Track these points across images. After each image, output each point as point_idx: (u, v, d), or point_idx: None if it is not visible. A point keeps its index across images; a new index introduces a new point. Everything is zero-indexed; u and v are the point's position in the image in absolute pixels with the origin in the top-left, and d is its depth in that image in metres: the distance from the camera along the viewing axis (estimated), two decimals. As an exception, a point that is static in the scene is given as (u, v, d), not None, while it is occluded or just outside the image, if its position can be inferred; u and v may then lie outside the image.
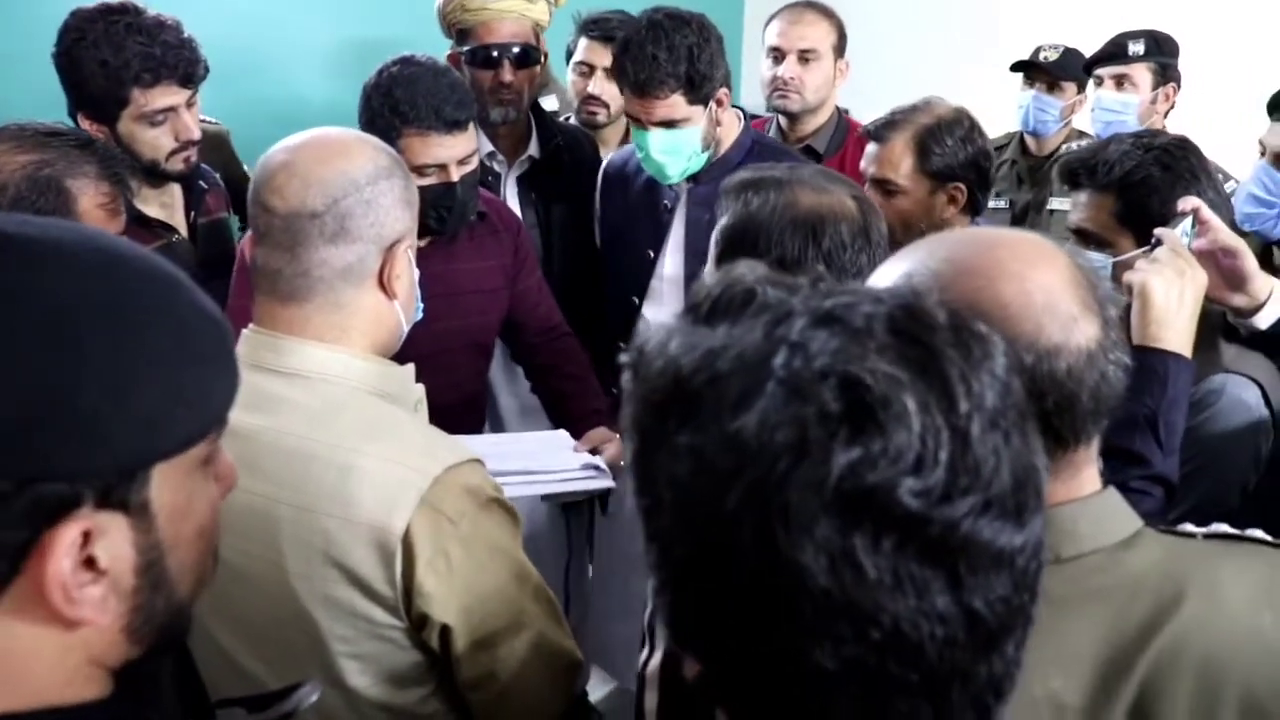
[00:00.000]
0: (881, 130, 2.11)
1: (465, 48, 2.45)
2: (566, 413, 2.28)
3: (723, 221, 1.51)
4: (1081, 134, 3.30)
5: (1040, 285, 0.91)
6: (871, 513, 0.57)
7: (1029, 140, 3.25)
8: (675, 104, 2.18)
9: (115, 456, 0.67)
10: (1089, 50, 3.07)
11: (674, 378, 0.61)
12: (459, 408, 2.22)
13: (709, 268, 1.55)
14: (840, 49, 2.91)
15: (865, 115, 4.53)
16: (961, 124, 2.08)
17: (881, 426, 0.57)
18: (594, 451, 2.08)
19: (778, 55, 2.85)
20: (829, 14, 2.91)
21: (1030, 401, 0.83)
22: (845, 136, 2.89)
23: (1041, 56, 3.15)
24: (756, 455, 0.57)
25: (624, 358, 0.66)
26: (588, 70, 2.97)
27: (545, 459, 2.03)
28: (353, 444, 1.18)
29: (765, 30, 2.94)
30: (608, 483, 2.02)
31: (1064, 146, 3.19)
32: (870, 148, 2.13)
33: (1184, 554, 0.96)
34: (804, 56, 2.81)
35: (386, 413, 1.24)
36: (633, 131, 2.27)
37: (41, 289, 0.67)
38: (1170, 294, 1.41)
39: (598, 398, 2.28)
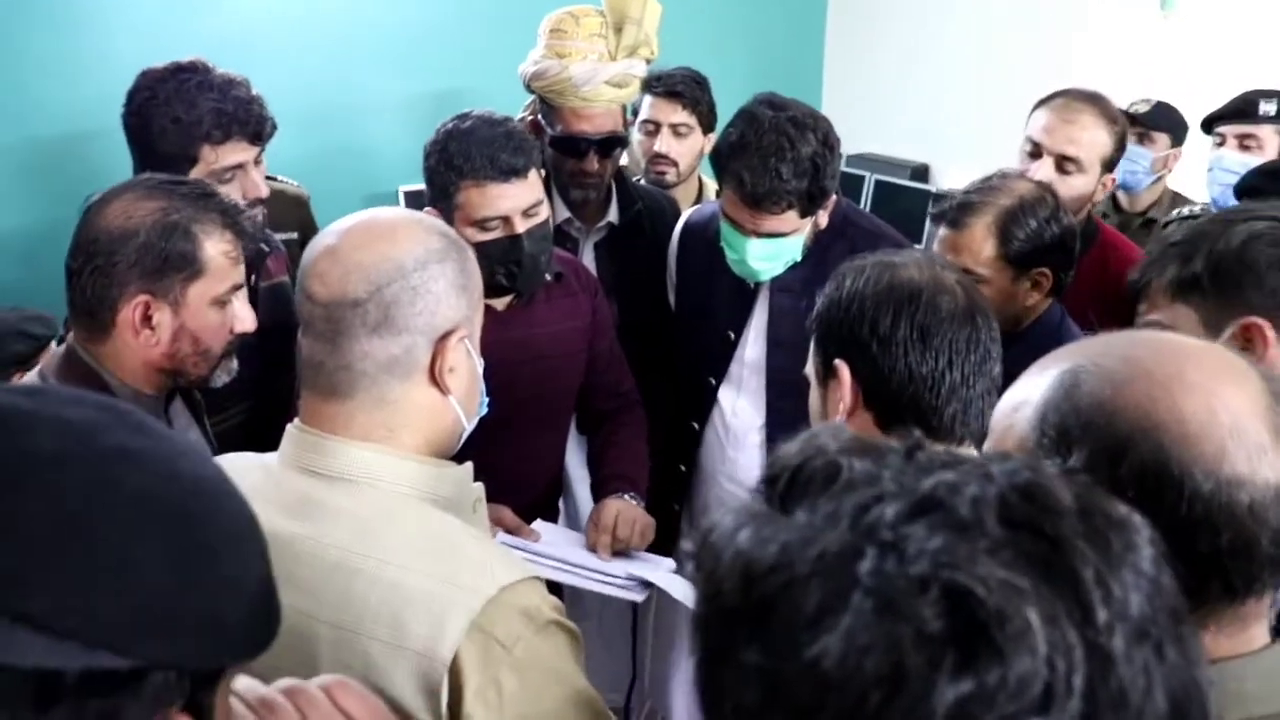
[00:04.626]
0: (958, 214, 1.89)
1: (552, 130, 2.36)
2: (597, 469, 2.19)
3: (820, 304, 1.43)
4: (1178, 197, 3.09)
5: (1227, 405, 0.79)
6: None
7: (1120, 195, 3.05)
8: (788, 219, 1.99)
9: (229, 651, 0.68)
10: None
11: (743, 576, 0.51)
12: (538, 479, 2.16)
13: (810, 354, 1.46)
14: (1112, 161, 2.33)
15: (942, 168, 4.41)
16: (1045, 203, 1.88)
17: (999, 650, 0.45)
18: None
19: (1035, 152, 2.31)
20: (1112, 117, 2.32)
21: (1203, 536, 0.73)
22: (1093, 238, 2.30)
23: (1132, 109, 2.98)
24: (841, 687, 0.46)
25: (686, 544, 0.56)
26: (654, 128, 2.86)
27: (590, 557, 1.94)
28: (401, 560, 1.09)
29: (1033, 111, 2.39)
30: (638, 597, 1.91)
31: (1160, 210, 2.99)
32: (943, 232, 1.92)
33: None
34: (1063, 165, 2.26)
35: (439, 523, 1.15)
36: (725, 231, 2.08)
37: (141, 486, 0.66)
38: None
39: (633, 465, 2.15)
